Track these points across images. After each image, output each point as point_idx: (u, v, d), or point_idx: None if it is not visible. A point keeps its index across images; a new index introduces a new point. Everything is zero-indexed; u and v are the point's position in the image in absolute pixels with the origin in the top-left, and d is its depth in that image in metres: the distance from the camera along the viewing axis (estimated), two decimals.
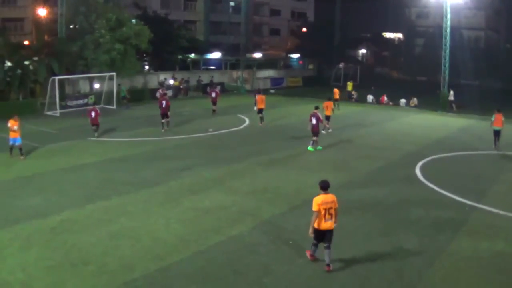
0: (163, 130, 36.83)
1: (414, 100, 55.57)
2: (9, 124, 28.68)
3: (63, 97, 47.11)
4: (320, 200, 14.79)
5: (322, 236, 14.94)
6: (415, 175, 26.12)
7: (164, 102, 37.03)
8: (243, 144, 32.98)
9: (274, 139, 34.73)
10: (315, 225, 14.81)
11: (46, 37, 52.39)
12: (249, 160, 28.59)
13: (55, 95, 44.66)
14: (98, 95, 51.16)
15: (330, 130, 37.45)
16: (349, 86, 64.67)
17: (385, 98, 57.86)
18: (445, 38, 52.43)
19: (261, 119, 40.16)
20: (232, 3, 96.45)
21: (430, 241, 17.35)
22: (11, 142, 28.71)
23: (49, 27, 53.82)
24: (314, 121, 30.89)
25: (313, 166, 27.33)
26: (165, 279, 14.32)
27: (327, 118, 37.23)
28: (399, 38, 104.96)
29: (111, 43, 51.97)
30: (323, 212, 14.75)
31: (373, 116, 45.38)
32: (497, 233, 18.27)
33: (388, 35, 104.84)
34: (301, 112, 43.98)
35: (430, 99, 55.09)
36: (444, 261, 15.79)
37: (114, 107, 48.61)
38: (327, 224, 14.83)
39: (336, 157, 29.99)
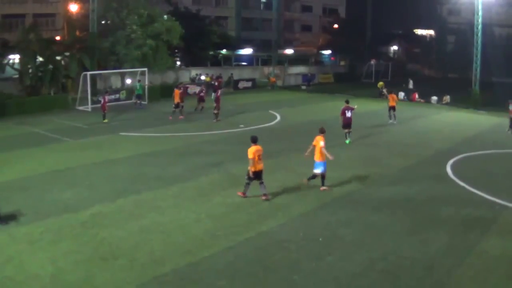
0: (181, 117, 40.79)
1: (447, 98, 54.96)
2: (322, 143, 21.87)
3: (94, 92, 47.30)
4: (254, 150, 20.32)
5: (257, 175, 20.41)
6: (446, 173, 25.72)
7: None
8: (274, 140, 32.77)
9: (306, 135, 34.14)
10: (252, 168, 20.20)
11: (77, 32, 52.73)
12: (280, 156, 28.45)
13: (86, 90, 44.93)
14: (129, 90, 51.40)
15: (394, 122, 40.30)
16: (379, 84, 64.17)
17: (417, 95, 57.31)
18: (477, 35, 51.79)
19: (174, 112, 41.38)
20: None
21: (460, 239, 17.07)
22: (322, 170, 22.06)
23: (81, 23, 54.13)
24: (349, 114, 32.33)
25: (344, 162, 27.06)
26: (195, 274, 14.26)
27: (393, 108, 40.36)
28: (430, 35, 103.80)
29: (143, 39, 52.33)
30: (256, 158, 20.25)
31: (404, 113, 44.93)
32: None
33: (419, 31, 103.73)
34: (333, 108, 43.66)
35: (462, 96, 54.37)
36: (473, 260, 15.54)
37: (146, 102, 48.70)
38: (260, 165, 20.43)
39: (368, 153, 29.71)
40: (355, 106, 33.64)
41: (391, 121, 40.30)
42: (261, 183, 20.61)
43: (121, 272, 14.22)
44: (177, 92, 41.02)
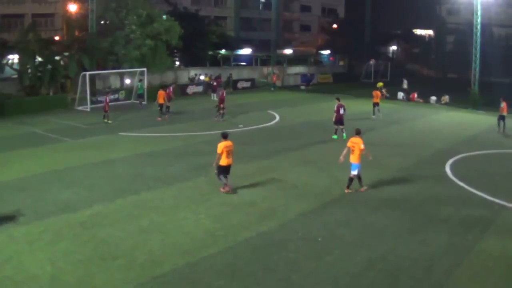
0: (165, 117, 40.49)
1: (446, 98, 54.88)
2: (363, 145, 21.43)
3: (93, 93, 47.27)
4: (223, 145, 20.84)
5: (226, 169, 21.06)
6: (445, 173, 25.69)
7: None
8: (273, 140, 32.81)
9: (304, 136, 34.55)
10: (221, 163, 20.82)
11: (76, 32, 52.68)
12: (279, 156, 28.44)
13: (85, 90, 44.88)
14: (128, 90, 51.45)
15: (380, 116, 42.10)
16: (379, 85, 64.11)
17: (416, 95, 57.25)
18: (476, 35, 51.70)
19: (165, 112, 41.00)
20: None
21: (459, 239, 17.07)
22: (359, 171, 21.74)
23: (80, 23, 54.07)
24: (341, 111, 33.51)
25: (343, 162, 26.97)
26: (194, 274, 14.26)
27: (376, 104, 42.41)
28: (429, 35, 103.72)
29: (142, 39, 52.24)
30: (225, 154, 20.78)
31: (403, 113, 44.95)
32: None
33: (418, 31, 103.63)
34: (332, 108, 43.76)
35: (461, 96, 54.24)
36: (472, 260, 15.56)
37: (145, 102, 48.68)
38: (229, 161, 21.03)
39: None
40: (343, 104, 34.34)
41: (374, 117, 41.91)
42: (225, 177, 21.37)
43: (120, 272, 14.22)
44: (160, 93, 40.68)
